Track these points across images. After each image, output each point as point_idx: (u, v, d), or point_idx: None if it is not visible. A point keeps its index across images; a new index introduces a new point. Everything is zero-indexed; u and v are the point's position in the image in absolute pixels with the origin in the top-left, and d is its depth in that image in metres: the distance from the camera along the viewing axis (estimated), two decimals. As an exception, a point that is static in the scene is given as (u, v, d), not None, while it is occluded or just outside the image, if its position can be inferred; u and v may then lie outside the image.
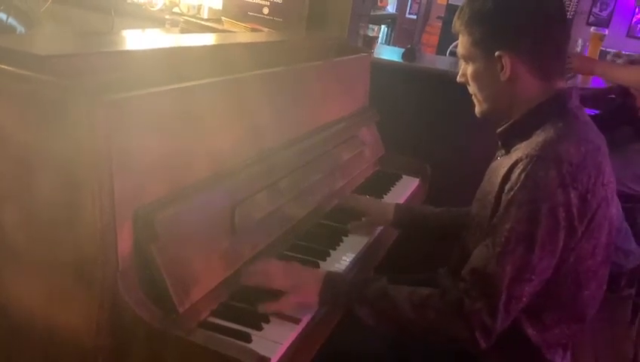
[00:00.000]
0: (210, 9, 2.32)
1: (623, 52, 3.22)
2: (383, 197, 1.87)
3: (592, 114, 2.57)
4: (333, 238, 1.52)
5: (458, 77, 1.34)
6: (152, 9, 2.18)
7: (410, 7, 7.70)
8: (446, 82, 1.79)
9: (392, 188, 1.95)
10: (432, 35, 6.48)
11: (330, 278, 1.23)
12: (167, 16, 2.10)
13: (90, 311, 0.97)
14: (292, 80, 1.58)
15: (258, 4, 2.30)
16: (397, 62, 2.58)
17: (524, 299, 1.15)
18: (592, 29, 3.30)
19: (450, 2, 5.90)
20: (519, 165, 1.16)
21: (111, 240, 0.96)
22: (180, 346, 0.96)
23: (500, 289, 1.13)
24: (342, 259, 1.44)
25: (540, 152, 1.14)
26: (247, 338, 1.06)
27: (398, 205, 1.68)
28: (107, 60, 1.15)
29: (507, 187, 1.17)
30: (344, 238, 1.54)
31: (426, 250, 1.78)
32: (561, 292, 1.21)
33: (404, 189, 1.98)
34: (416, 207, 1.77)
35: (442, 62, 3.20)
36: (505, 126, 1.31)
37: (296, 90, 1.58)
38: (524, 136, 1.23)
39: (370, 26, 2.57)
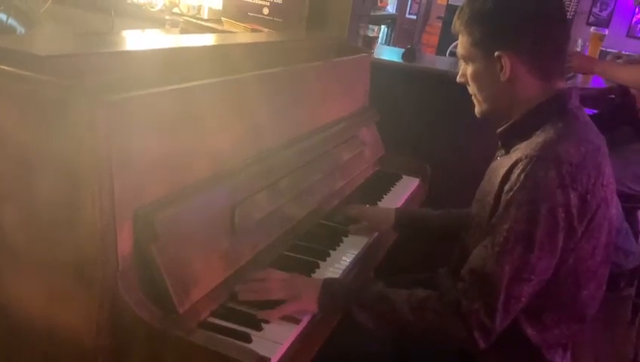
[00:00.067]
0: (210, 9, 2.32)
1: (623, 52, 3.22)
2: (383, 198, 1.87)
3: (592, 114, 2.57)
4: (333, 238, 1.52)
5: (458, 77, 1.34)
6: (152, 9, 2.18)
7: (410, 8, 7.70)
8: (446, 82, 1.79)
9: (392, 189, 1.95)
10: (432, 35, 6.48)
11: (328, 285, 1.23)
12: (167, 17, 2.11)
13: (90, 311, 0.97)
14: (292, 80, 1.58)
15: (258, 4, 2.30)
16: (397, 62, 2.58)
17: (524, 299, 1.15)
18: (592, 29, 3.30)
19: (450, 2, 5.90)
20: (519, 165, 1.16)
21: (111, 241, 0.96)
22: (180, 346, 0.96)
23: (499, 289, 1.13)
24: (342, 260, 1.44)
25: (540, 153, 1.14)
26: (247, 339, 1.07)
27: (398, 209, 1.68)
28: (107, 60, 1.16)
29: (507, 187, 1.17)
30: (344, 239, 1.54)
31: (426, 251, 1.78)
32: (561, 293, 1.21)
33: (404, 189, 1.98)
34: (416, 209, 1.77)
35: (442, 63, 3.20)
36: (505, 126, 1.31)
37: (296, 90, 1.58)
38: (524, 136, 1.23)
39: (370, 26, 2.57)
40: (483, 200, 1.29)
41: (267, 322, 1.13)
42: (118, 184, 0.95)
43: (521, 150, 1.19)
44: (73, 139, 0.93)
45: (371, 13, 3.14)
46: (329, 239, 1.51)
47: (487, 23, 1.23)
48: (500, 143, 1.35)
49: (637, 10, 5.76)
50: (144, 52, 1.29)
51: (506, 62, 1.21)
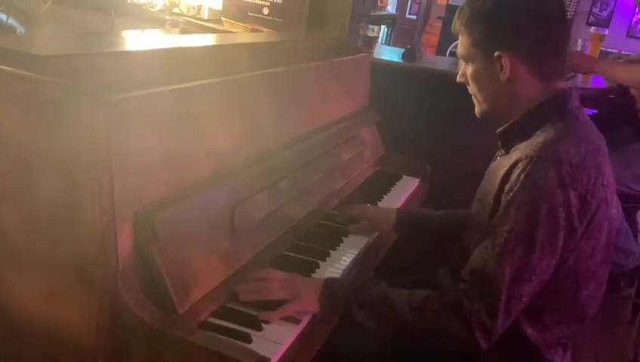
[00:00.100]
0: (210, 9, 2.32)
1: (624, 52, 3.22)
2: (383, 198, 1.87)
3: (592, 114, 2.57)
4: (333, 239, 1.52)
5: (458, 77, 1.34)
6: (152, 9, 2.17)
7: (410, 8, 7.70)
8: (446, 82, 1.79)
9: (392, 189, 1.95)
10: (432, 35, 6.48)
11: (329, 284, 1.23)
12: (167, 17, 2.11)
13: (90, 311, 0.97)
14: (292, 80, 1.58)
15: (258, 4, 2.30)
16: (397, 62, 2.58)
17: (525, 299, 1.15)
18: (592, 29, 3.30)
19: (450, 2, 5.91)
20: (519, 165, 1.16)
21: (111, 241, 0.96)
22: (180, 346, 0.96)
23: (500, 290, 1.13)
24: (342, 260, 1.44)
25: (540, 153, 1.14)
26: (247, 339, 1.06)
27: (399, 209, 1.68)
28: (107, 61, 1.16)
29: (507, 187, 1.17)
30: (344, 239, 1.54)
31: (426, 251, 1.78)
32: (561, 293, 1.21)
33: (404, 189, 1.98)
34: (416, 209, 1.77)
35: (442, 63, 3.20)
36: (505, 126, 1.31)
37: (296, 90, 1.58)
38: (524, 136, 1.23)
39: (370, 26, 2.57)
40: (483, 200, 1.29)
41: (267, 322, 1.13)
42: (118, 184, 0.95)
43: (521, 150, 1.19)
44: (73, 139, 0.93)
45: (371, 13, 3.14)
46: (329, 239, 1.51)
47: (487, 23, 1.23)
48: (499, 143, 1.35)
49: (637, 10, 5.77)
50: (144, 52, 1.29)
51: (505, 62, 1.21)
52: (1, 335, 1.07)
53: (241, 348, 0.98)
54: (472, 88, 1.31)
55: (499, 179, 1.21)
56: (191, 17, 2.15)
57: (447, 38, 5.24)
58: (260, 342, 1.07)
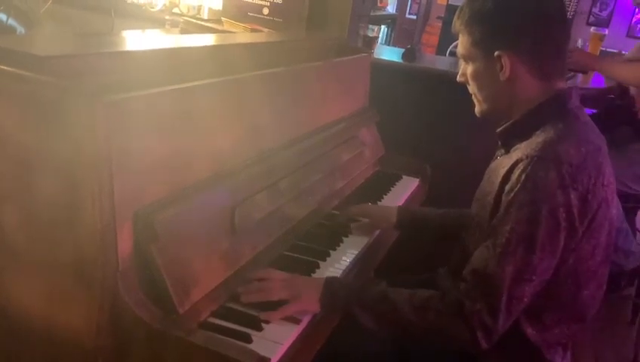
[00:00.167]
0: (210, 9, 2.32)
1: (624, 52, 3.22)
2: (383, 198, 1.87)
3: (592, 113, 2.57)
4: (333, 238, 1.52)
5: (458, 77, 1.34)
6: (152, 10, 2.17)
7: (410, 8, 7.71)
8: (446, 82, 1.79)
9: (392, 189, 1.95)
10: (432, 35, 6.49)
11: (330, 284, 1.23)
12: (167, 17, 2.10)
13: (90, 311, 0.97)
14: (292, 80, 1.58)
15: (258, 4, 2.30)
16: (397, 62, 2.58)
17: (526, 300, 1.15)
18: (592, 29, 3.30)
19: (450, 2, 5.91)
20: (519, 165, 1.16)
21: (111, 241, 0.96)
22: (180, 347, 0.96)
23: (501, 290, 1.13)
24: (342, 260, 1.44)
25: (540, 153, 1.14)
26: (248, 339, 1.06)
27: (400, 207, 1.68)
28: (107, 61, 1.15)
29: (507, 188, 1.17)
30: (344, 239, 1.54)
31: (426, 251, 1.78)
32: (561, 293, 1.21)
33: (404, 189, 1.98)
34: (417, 208, 1.77)
35: (442, 63, 3.20)
36: (505, 126, 1.31)
37: (296, 90, 1.58)
38: (524, 136, 1.23)
39: (370, 26, 2.57)
40: (483, 200, 1.29)
41: (268, 322, 1.13)
42: (118, 184, 0.95)
43: (521, 150, 1.19)
44: (73, 139, 0.93)
45: (371, 13, 3.14)
46: (329, 239, 1.51)
47: (487, 23, 1.23)
48: (499, 143, 1.35)
49: (637, 10, 5.77)
50: (144, 52, 1.29)
51: (505, 61, 1.21)
52: (1, 335, 1.07)
53: (241, 348, 0.98)
54: (472, 88, 1.31)
55: (499, 179, 1.21)
56: (191, 17, 2.15)
57: (447, 38, 5.24)
58: (261, 342, 1.07)
